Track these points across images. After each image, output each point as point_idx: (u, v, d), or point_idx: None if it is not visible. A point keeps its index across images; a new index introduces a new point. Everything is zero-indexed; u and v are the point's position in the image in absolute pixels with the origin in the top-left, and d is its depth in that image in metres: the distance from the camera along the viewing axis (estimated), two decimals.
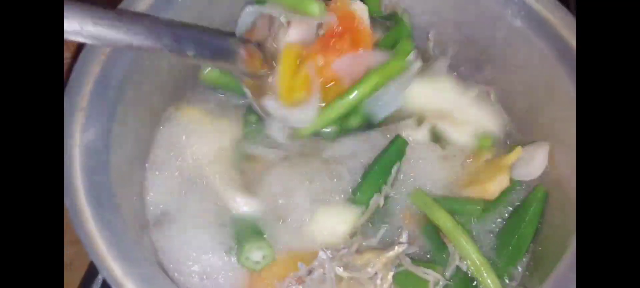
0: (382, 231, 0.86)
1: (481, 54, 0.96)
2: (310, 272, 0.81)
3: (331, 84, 0.88)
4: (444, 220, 0.85)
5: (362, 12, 0.88)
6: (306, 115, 0.88)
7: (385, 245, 0.84)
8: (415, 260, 0.83)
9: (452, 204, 0.88)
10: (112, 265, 0.68)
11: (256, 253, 0.83)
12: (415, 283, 0.81)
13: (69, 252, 1.05)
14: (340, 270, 0.80)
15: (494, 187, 0.89)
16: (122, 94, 0.80)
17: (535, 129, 0.93)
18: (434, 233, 0.86)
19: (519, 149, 0.91)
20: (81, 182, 0.72)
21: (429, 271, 0.81)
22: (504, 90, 0.96)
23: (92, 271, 0.99)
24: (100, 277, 0.97)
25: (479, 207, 0.87)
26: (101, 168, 0.74)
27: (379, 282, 0.80)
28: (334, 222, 0.86)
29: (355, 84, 0.87)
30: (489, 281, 0.82)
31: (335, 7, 0.87)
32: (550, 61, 0.84)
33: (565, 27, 0.84)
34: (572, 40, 0.83)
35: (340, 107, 0.88)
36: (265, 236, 0.85)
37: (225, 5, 0.92)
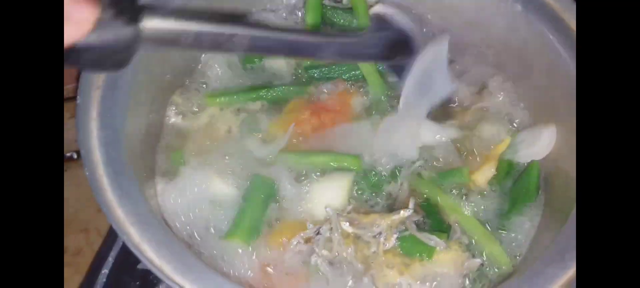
0: (385, 200, 0.90)
1: (483, 39, 0.98)
2: (318, 232, 0.84)
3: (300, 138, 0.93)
4: (445, 201, 0.89)
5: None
6: None
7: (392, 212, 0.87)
8: (420, 227, 0.86)
9: (445, 178, 0.91)
10: (130, 230, 0.71)
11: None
12: (419, 249, 0.83)
13: (79, 239, 1.09)
14: (346, 225, 0.83)
15: (481, 176, 0.91)
16: (135, 75, 0.83)
17: (539, 111, 0.95)
18: (432, 209, 0.89)
19: (507, 140, 0.93)
20: (99, 154, 0.75)
21: (433, 237, 0.83)
22: (506, 74, 0.98)
23: (100, 257, 1.01)
24: (110, 260, 1.00)
25: (465, 174, 0.91)
26: (117, 142, 0.77)
27: (382, 240, 0.83)
28: (332, 189, 0.89)
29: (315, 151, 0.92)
30: (493, 250, 0.86)
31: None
32: (551, 44, 0.87)
33: (565, 10, 0.87)
34: (572, 23, 0.86)
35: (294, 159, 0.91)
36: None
37: None
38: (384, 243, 0.83)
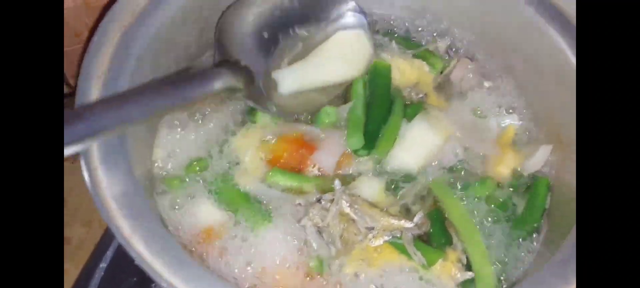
0: (400, 202, 0.89)
1: (494, 43, 0.97)
2: (318, 200, 0.85)
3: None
4: (458, 213, 0.87)
5: None
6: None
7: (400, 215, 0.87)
8: (416, 238, 0.85)
9: (467, 188, 0.90)
10: (120, 222, 0.69)
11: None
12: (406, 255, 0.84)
13: (81, 232, 1.09)
14: (346, 205, 0.83)
15: (505, 168, 0.91)
16: (140, 64, 0.81)
17: (548, 119, 0.93)
18: (439, 219, 0.87)
19: (512, 126, 0.94)
20: (95, 145, 0.72)
21: (419, 254, 0.83)
22: (517, 79, 0.97)
23: (99, 251, 1.00)
24: (108, 254, 0.98)
25: (489, 186, 0.90)
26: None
27: (371, 236, 0.83)
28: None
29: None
30: (486, 276, 0.83)
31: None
32: (561, 50, 0.85)
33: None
34: None
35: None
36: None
37: None
38: (371, 240, 0.83)
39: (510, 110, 0.96)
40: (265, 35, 0.96)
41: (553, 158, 0.92)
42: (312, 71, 0.97)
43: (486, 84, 0.98)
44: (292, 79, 0.95)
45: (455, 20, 0.98)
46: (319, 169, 0.90)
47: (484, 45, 0.99)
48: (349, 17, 0.99)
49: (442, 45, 1.01)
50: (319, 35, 0.99)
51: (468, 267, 0.85)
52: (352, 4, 0.99)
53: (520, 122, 0.95)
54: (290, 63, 0.97)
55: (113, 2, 0.84)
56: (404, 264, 0.84)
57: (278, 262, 0.83)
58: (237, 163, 0.90)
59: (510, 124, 0.94)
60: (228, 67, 0.87)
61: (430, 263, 0.83)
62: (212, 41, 0.96)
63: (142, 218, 0.70)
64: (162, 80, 0.84)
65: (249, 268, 0.82)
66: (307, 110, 0.95)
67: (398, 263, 0.84)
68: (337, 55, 0.98)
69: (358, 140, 0.91)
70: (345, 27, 0.99)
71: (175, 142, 0.91)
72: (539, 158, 0.91)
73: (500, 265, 0.85)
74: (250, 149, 0.90)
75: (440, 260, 0.83)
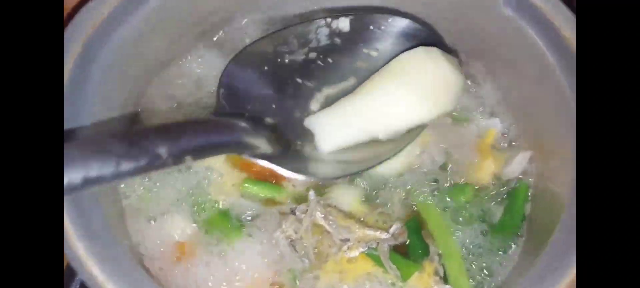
0: (378, 211, 0.86)
1: (475, 45, 0.93)
2: (293, 211, 0.83)
3: None
4: (436, 222, 0.86)
5: None
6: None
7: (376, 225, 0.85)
8: (392, 250, 0.83)
9: (445, 194, 0.88)
10: (76, 244, 0.67)
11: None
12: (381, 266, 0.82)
13: None
14: (320, 216, 0.81)
15: (484, 173, 0.89)
16: (106, 73, 0.79)
17: (529, 124, 0.91)
18: (417, 229, 0.85)
19: (492, 131, 0.91)
20: None
21: (394, 267, 0.81)
22: (497, 83, 0.94)
23: None
24: None
25: (468, 193, 0.88)
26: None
27: (345, 248, 0.81)
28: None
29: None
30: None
31: None
32: (541, 52, 0.81)
33: (557, 16, 0.81)
34: (564, 31, 0.80)
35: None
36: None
37: None
38: (346, 251, 0.81)
39: (491, 115, 0.94)
40: (298, 79, 0.81)
41: (533, 164, 0.90)
42: (366, 112, 0.77)
43: (466, 88, 0.94)
44: (336, 127, 0.79)
45: (433, 22, 0.94)
46: (293, 185, 0.88)
47: (463, 48, 0.95)
48: (406, 36, 0.87)
49: None
50: (369, 60, 0.85)
51: (445, 278, 0.83)
52: (405, 22, 0.85)
53: (501, 127, 0.93)
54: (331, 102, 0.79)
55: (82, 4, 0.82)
56: (379, 276, 0.83)
57: (251, 275, 0.82)
58: (209, 175, 0.88)
59: (491, 129, 0.92)
60: (244, 120, 0.75)
61: (405, 277, 0.81)
62: (186, 46, 0.94)
63: (101, 239, 0.69)
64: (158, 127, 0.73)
65: (222, 282, 0.82)
66: (364, 168, 0.80)
67: (373, 275, 0.83)
68: (405, 87, 0.77)
69: None
70: (405, 45, 0.82)
71: None
72: (517, 165, 0.90)
73: (477, 276, 0.84)
74: (221, 159, 0.88)
75: (416, 272, 0.82)
